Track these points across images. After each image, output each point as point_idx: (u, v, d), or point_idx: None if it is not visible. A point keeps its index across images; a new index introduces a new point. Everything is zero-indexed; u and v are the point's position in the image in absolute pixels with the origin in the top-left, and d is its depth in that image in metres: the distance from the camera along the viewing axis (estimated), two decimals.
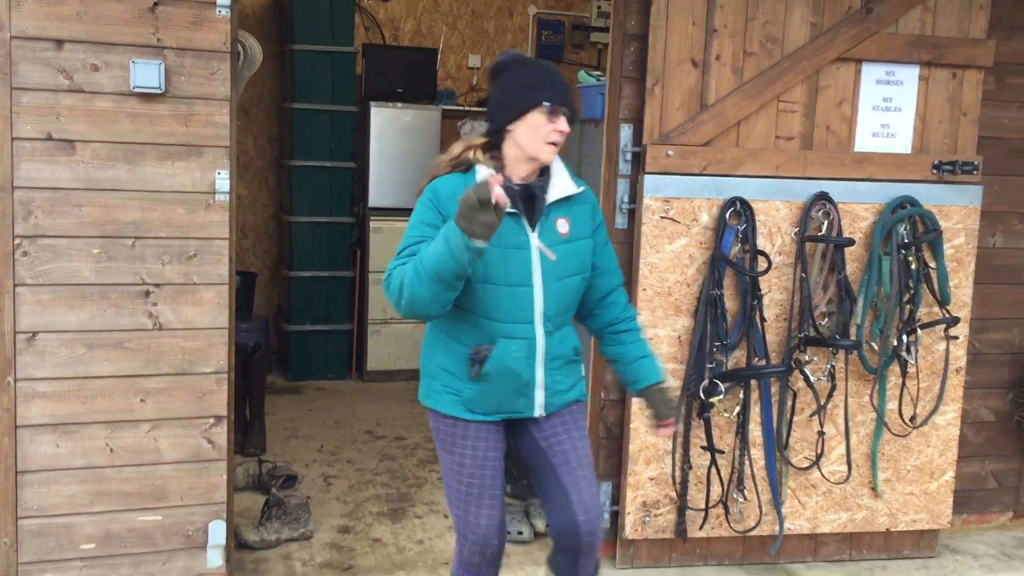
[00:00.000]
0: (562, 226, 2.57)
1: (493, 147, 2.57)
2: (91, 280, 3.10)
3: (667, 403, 2.73)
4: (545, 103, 2.46)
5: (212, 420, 3.27)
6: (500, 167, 2.53)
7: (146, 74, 3.03)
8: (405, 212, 6.20)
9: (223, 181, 3.19)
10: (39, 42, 2.96)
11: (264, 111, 6.66)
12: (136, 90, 3.04)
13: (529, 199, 2.54)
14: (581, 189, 2.64)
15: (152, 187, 3.13)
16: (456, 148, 2.58)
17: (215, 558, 3.33)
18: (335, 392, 6.07)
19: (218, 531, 3.31)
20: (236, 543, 3.64)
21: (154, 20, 3.04)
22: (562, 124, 2.49)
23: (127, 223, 3.11)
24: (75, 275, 3.09)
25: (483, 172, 2.50)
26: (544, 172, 2.59)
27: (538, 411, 2.63)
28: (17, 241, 3.02)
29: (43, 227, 3.04)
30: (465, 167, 2.54)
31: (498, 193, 2.21)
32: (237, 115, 3.32)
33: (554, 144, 2.50)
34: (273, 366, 6.36)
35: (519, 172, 2.54)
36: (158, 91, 3.06)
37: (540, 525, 3.99)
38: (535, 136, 2.48)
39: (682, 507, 3.63)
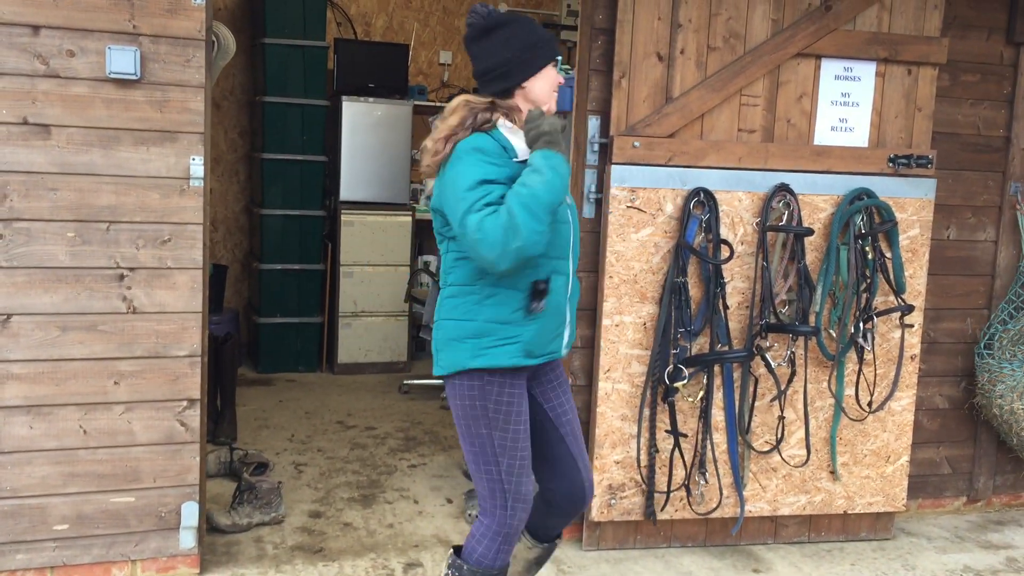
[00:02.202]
0: None
1: (493, 107, 2.63)
2: (66, 263, 3.14)
3: None
4: (558, 56, 2.67)
5: (185, 403, 3.32)
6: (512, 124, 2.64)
7: (122, 60, 3.07)
8: (376, 206, 6.31)
9: (197, 167, 3.24)
10: (16, 27, 3.00)
11: (236, 105, 6.69)
12: (112, 76, 3.09)
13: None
14: None
15: (127, 172, 3.17)
16: (462, 111, 2.62)
17: (187, 540, 3.38)
18: (305, 384, 6.11)
19: (191, 513, 3.36)
20: (208, 527, 3.69)
21: (130, 7, 3.09)
22: (560, 78, 2.69)
23: (102, 207, 3.16)
24: (50, 258, 3.12)
25: (504, 126, 2.61)
26: None
27: (564, 350, 2.76)
28: None
29: (18, 210, 3.07)
30: (483, 128, 2.60)
31: None
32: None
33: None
34: (244, 358, 6.38)
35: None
36: (133, 77, 3.11)
37: None
38: (550, 87, 2.65)
39: (650, 490, 3.72)
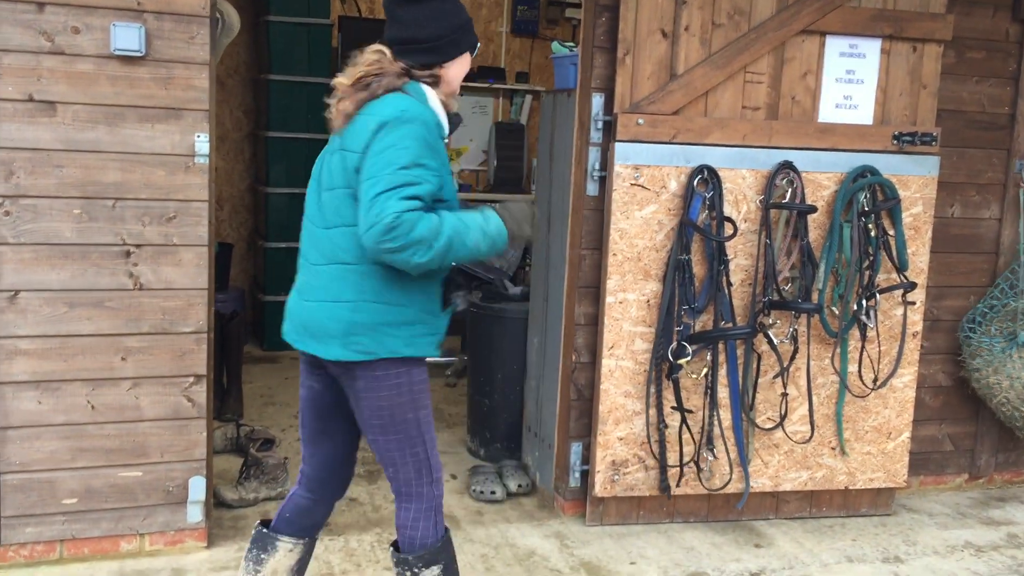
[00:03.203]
0: None
1: (408, 75, 2.49)
2: (72, 240, 3.16)
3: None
4: (477, 44, 2.60)
5: (192, 379, 3.34)
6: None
7: (126, 37, 3.08)
8: None
9: (202, 144, 3.25)
10: (20, 4, 3.01)
11: (240, 83, 6.68)
12: (116, 53, 3.09)
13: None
14: None
15: (132, 149, 3.18)
16: (382, 63, 2.47)
17: (195, 514, 3.41)
18: None
19: (198, 487, 3.39)
20: (215, 502, 3.72)
21: None
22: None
23: (108, 184, 3.17)
24: (56, 235, 3.14)
25: (432, 95, 2.48)
26: None
27: None
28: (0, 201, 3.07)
29: (24, 187, 3.09)
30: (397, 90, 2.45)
31: None
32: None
33: None
34: (249, 336, 6.42)
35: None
36: (138, 54, 3.11)
37: (512, 485, 4.11)
38: (459, 78, 2.58)
39: (662, 465, 3.74)
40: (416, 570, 2.55)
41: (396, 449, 2.53)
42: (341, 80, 2.52)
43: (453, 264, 2.50)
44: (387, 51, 2.50)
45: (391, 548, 2.64)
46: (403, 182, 2.30)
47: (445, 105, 2.53)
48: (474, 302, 4.62)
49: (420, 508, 2.57)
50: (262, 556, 2.70)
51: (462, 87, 7.42)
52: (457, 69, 2.56)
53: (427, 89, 2.49)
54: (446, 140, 2.54)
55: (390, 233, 2.25)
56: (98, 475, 3.29)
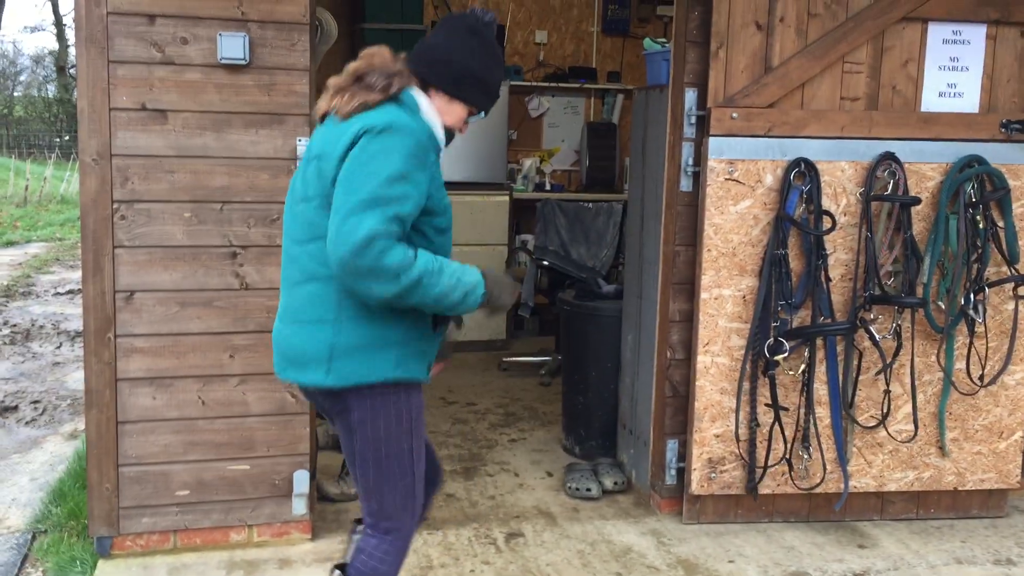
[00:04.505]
0: None
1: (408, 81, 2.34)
2: (183, 242, 3.30)
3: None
4: (482, 113, 2.42)
5: None
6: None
7: (232, 46, 3.20)
8: (473, 185, 6.39)
9: (303, 148, 3.35)
10: (133, 17, 3.16)
11: None
12: (223, 62, 3.22)
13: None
14: None
15: (238, 154, 3.31)
16: (386, 59, 2.33)
17: (300, 506, 3.52)
18: None
19: (302, 480, 3.50)
20: (318, 496, 3.83)
21: None
22: (464, 127, 2.43)
23: (215, 188, 3.30)
24: (168, 238, 3.29)
25: (426, 102, 2.31)
26: None
27: None
28: (115, 206, 3.23)
29: (139, 192, 3.24)
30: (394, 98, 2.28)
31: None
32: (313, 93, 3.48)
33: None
34: None
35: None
36: (243, 62, 3.23)
37: (608, 483, 4.10)
38: (445, 117, 2.36)
39: (751, 464, 3.70)
40: None
41: (386, 482, 2.35)
42: (334, 78, 2.36)
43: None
44: (389, 50, 2.37)
45: (336, 570, 2.45)
46: (385, 197, 2.10)
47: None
48: (567, 300, 4.64)
49: (396, 543, 2.42)
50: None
51: (554, 87, 7.46)
52: (444, 106, 2.35)
53: (422, 98, 2.32)
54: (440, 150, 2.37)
55: (360, 252, 2.05)
56: (209, 468, 3.42)
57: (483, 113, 2.44)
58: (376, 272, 2.07)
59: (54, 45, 31.54)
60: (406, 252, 2.12)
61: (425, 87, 2.35)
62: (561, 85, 7.13)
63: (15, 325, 7.39)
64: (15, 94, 32.88)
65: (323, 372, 2.25)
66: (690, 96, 3.64)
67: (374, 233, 2.07)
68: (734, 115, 3.55)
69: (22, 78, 33.49)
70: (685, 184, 3.69)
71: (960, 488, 3.88)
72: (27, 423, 5.10)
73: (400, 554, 2.44)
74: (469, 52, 2.36)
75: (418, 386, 2.37)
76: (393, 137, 2.16)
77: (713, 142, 3.55)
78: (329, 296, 2.25)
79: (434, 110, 2.34)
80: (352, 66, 2.34)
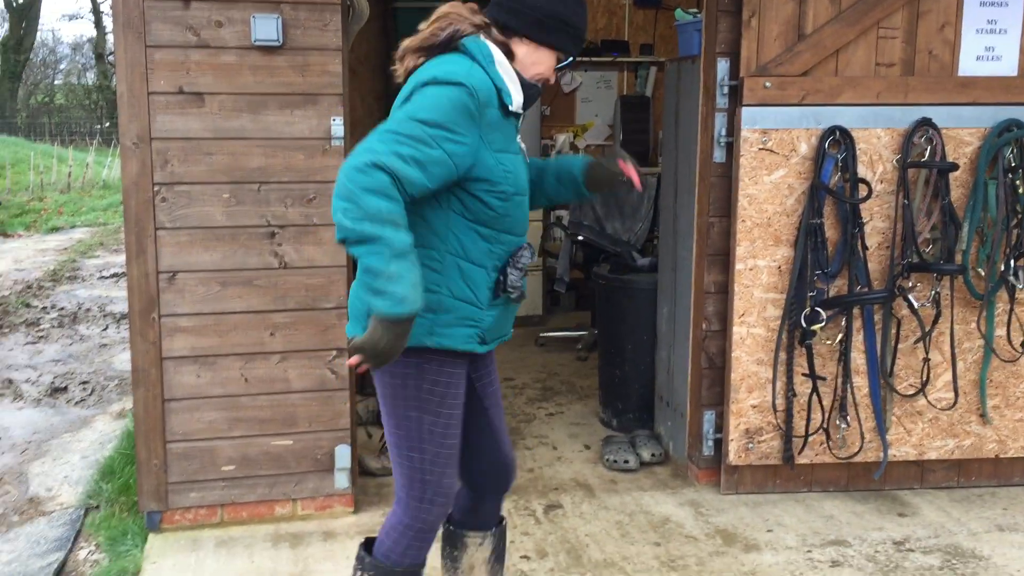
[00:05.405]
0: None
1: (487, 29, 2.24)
2: (222, 223, 3.36)
3: (612, 155, 2.46)
4: (561, 53, 2.26)
5: (334, 352, 3.51)
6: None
7: (265, 28, 3.24)
8: None
9: (338, 127, 3.39)
10: (168, 2, 3.21)
11: (370, 70, 6.87)
12: (257, 43, 3.26)
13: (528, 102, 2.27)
14: None
15: (274, 135, 3.36)
16: (461, 25, 2.20)
17: (342, 480, 3.59)
18: None
19: (344, 455, 3.56)
20: (360, 470, 3.90)
21: None
22: (553, 74, 2.29)
23: (253, 169, 3.35)
24: (208, 218, 3.35)
25: (499, 54, 2.17)
26: None
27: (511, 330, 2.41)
28: (156, 188, 3.29)
29: (178, 174, 3.31)
30: (453, 48, 2.19)
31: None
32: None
33: (541, 77, 2.26)
34: None
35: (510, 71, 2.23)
36: (276, 44, 3.27)
37: (645, 455, 4.13)
38: (533, 68, 2.24)
39: (788, 434, 3.70)
40: (360, 573, 2.35)
41: (394, 445, 2.29)
42: (407, 40, 2.25)
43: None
44: (464, 5, 2.26)
45: (363, 541, 2.42)
46: (412, 135, 2.00)
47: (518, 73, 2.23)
48: (602, 274, 4.66)
49: (401, 519, 2.31)
50: (455, 553, 2.59)
51: (586, 61, 7.40)
52: (530, 55, 2.23)
53: (495, 49, 2.19)
54: (517, 111, 2.22)
55: (351, 175, 1.94)
56: (253, 443, 3.50)
57: (572, 59, 2.30)
58: (352, 197, 1.93)
59: (92, 32, 31.99)
60: (392, 207, 1.94)
61: (508, 36, 2.23)
62: (594, 59, 7.10)
63: (62, 308, 7.56)
64: (56, 82, 33.38)
65: (359, 328, 2.19)
66: (722, 66, 3.63)
67: (378, 161, 1.95)
68: (767, 84, 3.53)
69: (62, 66, 34.00)
70: (718, 155, 3.68)
71: (1001, 456, 3.85)
72: (76, 403, 5.23)
73: (404, 535, 2.30)
74: None
75: (447, 357, 2.24)
76: (437, 88, 2.06)
77: (746, 112, 3.53)
78: None
79: (511, 63, 2.21)
80: (425, 24, 2.24)
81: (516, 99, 2.20)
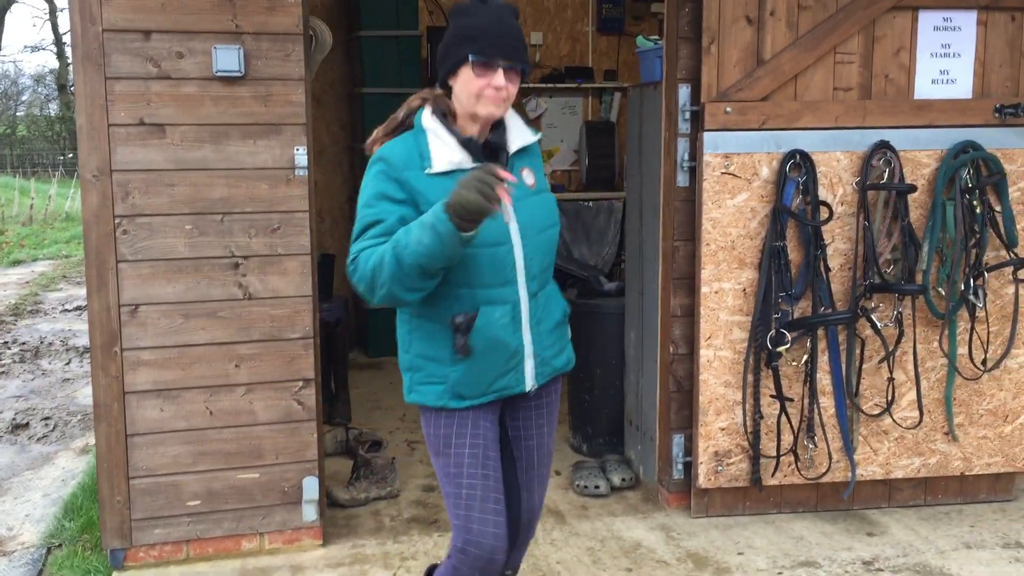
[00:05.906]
0: (528, 177, 2.38)
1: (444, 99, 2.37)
2: (185, 254, 3.33)
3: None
4: (471, 56, 2.23)
5: (301, 383, 3.48)
6: (449, 121, 2.34)
7: (227, 59, 3.24)
8: None
9: (301, 157, 3.38)
10: (128, 34, 3.19)
11: (335, 98, 6.89)
12: (218, 74, 3.25)
13: (492, 154, 2.35)
14: (538, 137, 2.46)
15: (237, 165, 3.34)
16: (413, 102, 2.40)
17: (310, 513, 3.54)
18: None
19: (311, 487, 3.52)
20: (328, 502, 3.85)
21: (232, 7, 3.25)
22: (498, 79, 2.24)
23: (215, 200, 3.33)
24: (170, 250, 3.32)
25: (428, 121, 2.32)
26: (497, 126, 2.38)
27: (529, 383, 2.40)
28: (117, 220, 3.26)
29: (140, 206, 3.28)
30: (409, 125, 2.37)
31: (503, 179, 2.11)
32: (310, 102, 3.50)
33: (494, 100, 2.27)
34: (354, 343, 6.59)
35: (469, 129, 2.33)
36: (238, 74, 3.27)
37: (616, 479, 4.12)
38: (469, 92, 2.27)
39: (755, 456, 3.71)
40: None
41: (440, 478, 2.45)
42: (377, 129, 2.47)
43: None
44: (430, 92, 2.42)
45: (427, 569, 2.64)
46: (366, 221, 2.27)
47: (462, 128, 2.33)
48: (570, 299, 4.66)
49: (449, 562, 2.42)
50: None
51: (552, 88, 7.43)
52: (463, 87, 2.28)
53: (425, 114, 2.34)
54: (436, 170, 2.27)
55: (351, 271, 2.26)
56: (218, 477, 3.45)
57: (523, 67, 2.28)
58: (371, 283, 2.21)
59: (55, 64, 31.70)
60: (375, 251, 2.21)
61: (446, 88, 2.36)
62: (558, 86, 7.16)
63: (24, 343, 7.44)
64: (18, 113, 33.03)
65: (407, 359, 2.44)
66: (684, 92, 3.67)
67: (355, 253, 2.26)
68: (728, 109, 3.57)
69: (24, 97, 33.66)
70: (682, 180, 3.71)
71: (967, 473, 3.89)
72: (39, 440, 5.14)
73: (447, 568, 2.41)
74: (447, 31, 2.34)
75: (445, 412, 2.37)
76: (370, 168, 2.33)
77: (708, 137, 3.57)
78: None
79: (439, 121, 2.31)
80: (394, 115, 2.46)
81: (437, 161, 2.28)
